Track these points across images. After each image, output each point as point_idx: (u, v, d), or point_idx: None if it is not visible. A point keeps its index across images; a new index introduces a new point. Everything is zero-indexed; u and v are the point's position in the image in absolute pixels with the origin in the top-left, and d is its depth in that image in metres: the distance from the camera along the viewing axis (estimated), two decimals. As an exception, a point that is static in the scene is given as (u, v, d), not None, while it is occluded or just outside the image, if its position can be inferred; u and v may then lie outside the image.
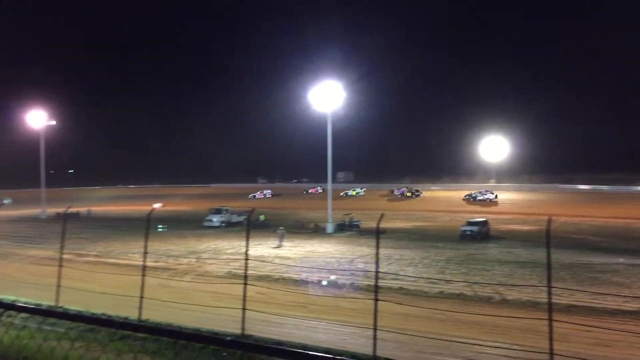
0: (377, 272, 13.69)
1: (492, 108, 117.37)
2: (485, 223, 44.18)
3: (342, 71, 69.99)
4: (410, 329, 15.87)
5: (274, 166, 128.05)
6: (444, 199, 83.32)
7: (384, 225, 14.58)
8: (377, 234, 13.97)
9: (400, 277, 25.47)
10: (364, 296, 19.42)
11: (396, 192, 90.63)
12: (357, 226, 47.60)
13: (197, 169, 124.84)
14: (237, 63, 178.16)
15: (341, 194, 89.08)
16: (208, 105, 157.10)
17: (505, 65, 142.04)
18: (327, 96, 51.68)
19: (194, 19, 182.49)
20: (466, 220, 45.55)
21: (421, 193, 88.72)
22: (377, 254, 13.71)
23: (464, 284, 24.39)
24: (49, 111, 72.98)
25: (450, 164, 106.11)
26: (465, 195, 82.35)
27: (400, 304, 17.90)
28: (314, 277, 25.81)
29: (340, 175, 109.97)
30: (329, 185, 54.61)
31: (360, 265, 29.49)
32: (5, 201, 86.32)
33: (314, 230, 48.16)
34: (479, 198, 79.94)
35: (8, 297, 13.60)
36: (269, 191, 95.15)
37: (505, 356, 14.89)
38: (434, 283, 24.81)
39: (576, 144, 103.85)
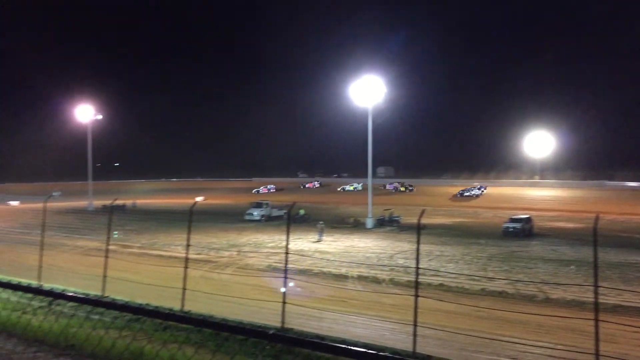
0: (417, 268, 13.57)
1: (537, 103, 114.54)
2: (528, 220, 43.34)
3: (383, 66, 69.29)
4: (451, 326, 15.68)
5: (315, 160, 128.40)
6: (434, 194, 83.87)
7: (424, 221, 14.45)
8: (418, 229, 13.84)
9: (440, 273, 25.23)
10: (404, 292, 19.33)
11: (388, 187, 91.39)
12: (397, 221, 47.26)
13: (240, 163, 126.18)
14: (279, 58, 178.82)
15: (339, 189, 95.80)
16: (251, 100, 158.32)
17: (550, 60, 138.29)
18: (367, 91, 51.54)
19: (236, 15, 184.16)
20: (509, 217, 44.79)
21: (414, 188, 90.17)
22: (417, 249, 13.60)
23: (506, 281, 23.98)
24: (96, 106, 75.21)
25: (493, 160, 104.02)
26: (459, 191, 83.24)
27: (441, 300, 17.72)
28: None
29: (381, 170, 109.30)
30: (369, 180, 54.38)
31: (400, 261, 29.33)
32: (55, 193, 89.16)
33: (354, 225, 48.06)
34: (465, 194, 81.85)
35: (57, 286, 14.06)
36: (272, 186, 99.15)
37: (550, 356, 14.59)
38: (475, 280, 24.47)
39: (623, 140, 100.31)
